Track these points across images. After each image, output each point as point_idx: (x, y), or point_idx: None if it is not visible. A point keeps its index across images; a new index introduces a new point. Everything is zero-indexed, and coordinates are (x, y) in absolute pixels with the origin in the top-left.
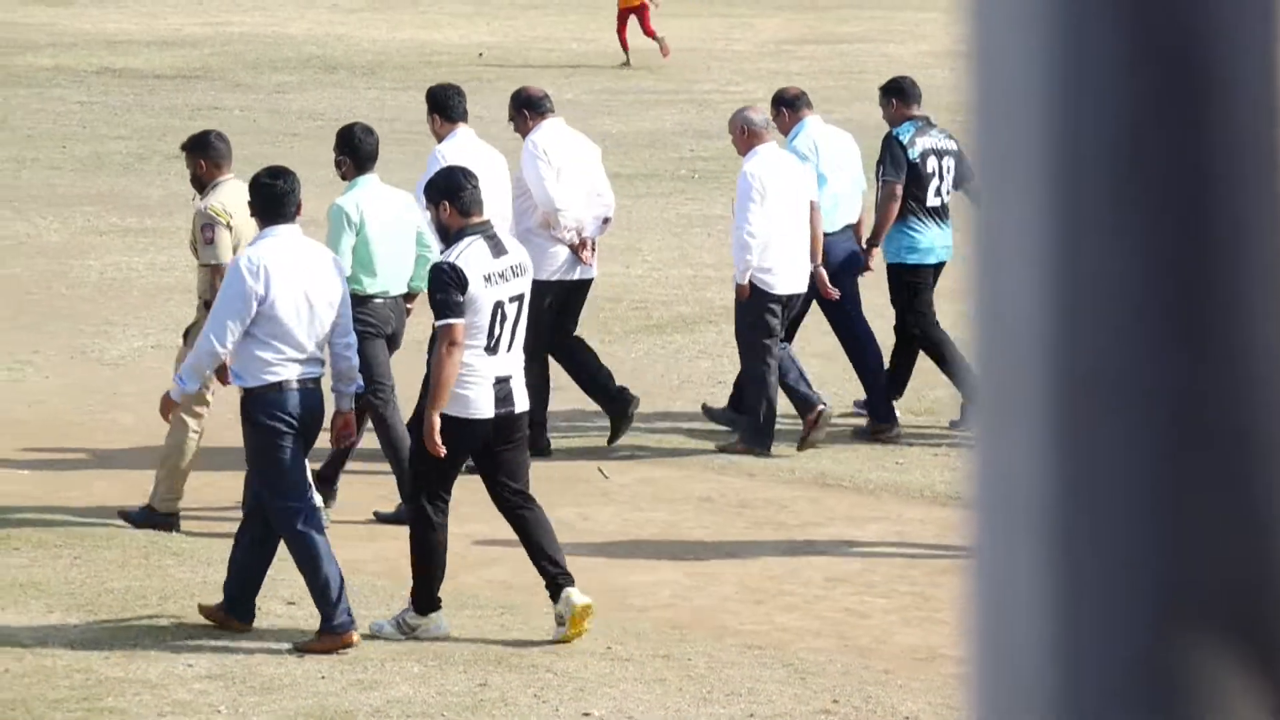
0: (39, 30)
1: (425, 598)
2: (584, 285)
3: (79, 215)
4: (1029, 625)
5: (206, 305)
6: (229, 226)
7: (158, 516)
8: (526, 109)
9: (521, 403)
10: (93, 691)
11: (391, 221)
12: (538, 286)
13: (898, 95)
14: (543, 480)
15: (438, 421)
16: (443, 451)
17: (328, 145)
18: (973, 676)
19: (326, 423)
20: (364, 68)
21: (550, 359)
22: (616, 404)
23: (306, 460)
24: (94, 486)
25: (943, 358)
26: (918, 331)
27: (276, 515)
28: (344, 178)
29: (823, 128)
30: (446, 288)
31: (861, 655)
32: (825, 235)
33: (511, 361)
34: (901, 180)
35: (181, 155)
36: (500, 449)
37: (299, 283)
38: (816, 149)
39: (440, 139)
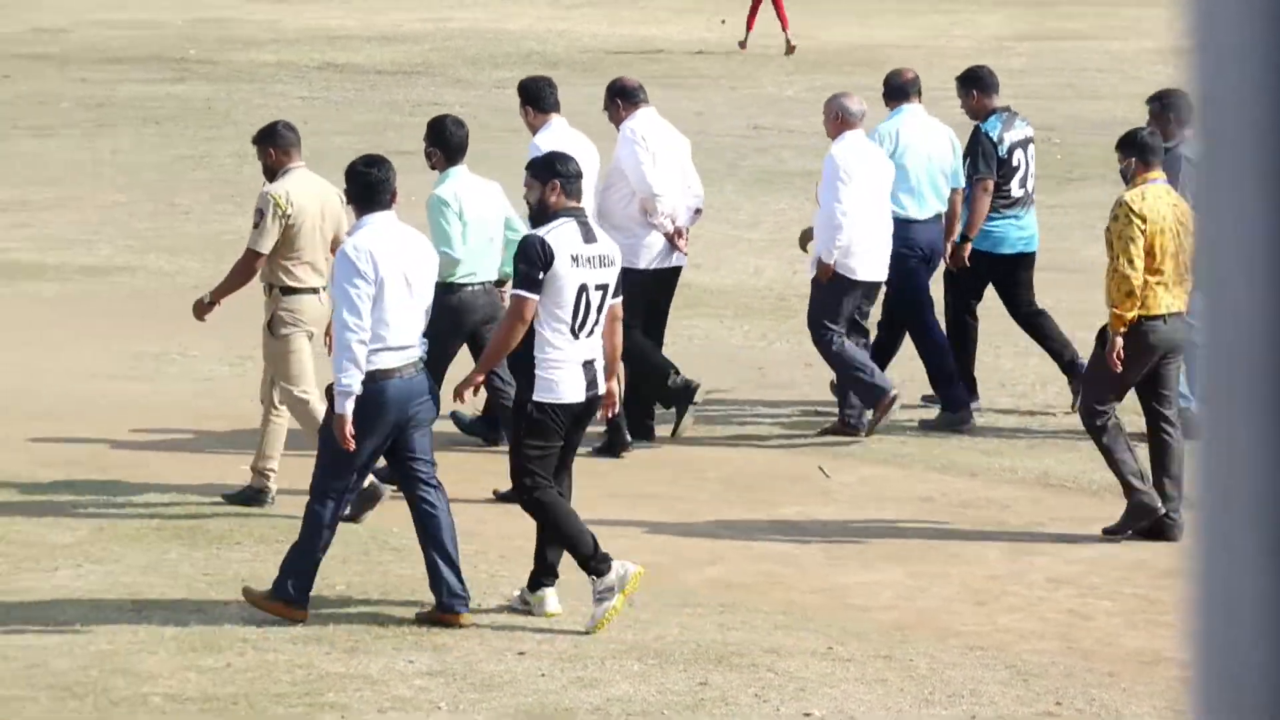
0: (261, 26)
1: (586, 560)
2: (676, 273)
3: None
4: (1253, 627)
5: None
6: (285, 215)
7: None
8: (620, 98)
9: (602, 387)
10: (314, 686)
11: (484, 209)
12: (635, 275)
13: (977, 85)
14: (765, 478)
15: (478, 377)
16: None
17: None
18: (1196, 680)
19: None
20: (583, 64)
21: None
22: (681, 396)
23: (424, 441)
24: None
25: (961, 347)
26: (950, 315)
27: (316, 488)
28: (434, 168)
29: (917, 119)
30: (532, 261)
31: (1085, 658)
32: (913, 222)
33: (594, 346)
34: (994, 175)
35: (404, 154)
36: (573, 431)
37: (400, 267)
38: (896, 137)
39: (534, 130)
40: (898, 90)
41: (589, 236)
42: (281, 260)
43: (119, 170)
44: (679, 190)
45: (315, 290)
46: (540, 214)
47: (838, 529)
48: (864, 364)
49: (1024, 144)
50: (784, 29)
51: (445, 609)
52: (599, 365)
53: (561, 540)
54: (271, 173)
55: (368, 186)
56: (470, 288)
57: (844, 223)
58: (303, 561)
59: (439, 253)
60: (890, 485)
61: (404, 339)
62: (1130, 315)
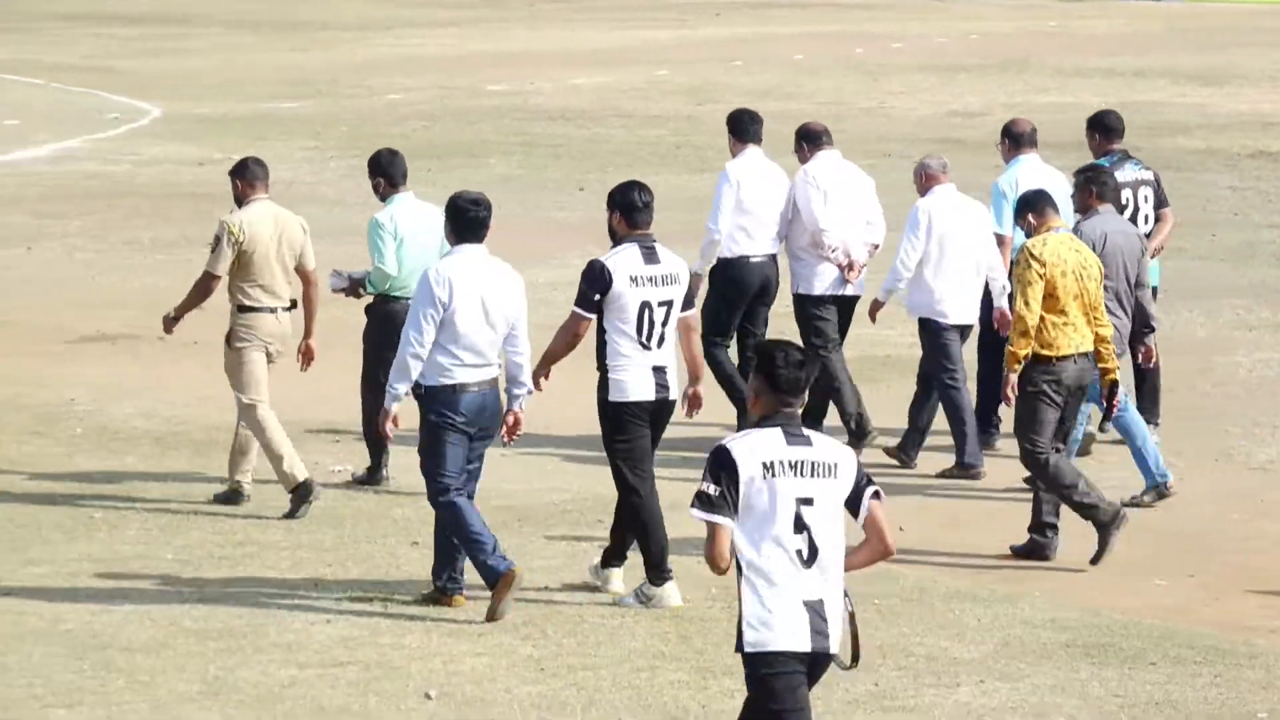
0: (1190, 111)
1: (656, 564)
2: (851, 301)
3: (1226, 308)
4: None
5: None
6: (238, 241)
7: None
8: (805, 141)
9: (674, 391)
10: None
11: (422, 231)
12: (807, 300)
13: (1100, 130)
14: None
15: (540, 371)
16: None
17: None
18: None
19: None
20: None
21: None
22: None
23: (481, 450)
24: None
25: None
26: None
27: (430, 491)
28: (382, 196)
29: (1035, 167)
30: (591, 282)
31: None
32: None
33: (665, 355)
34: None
35: None
36: (654, 425)
37: (478, 295)
38: (1016, 185)
39: (733, 156)
40: (1017, 137)
41: (651, 258)
42: (238, 281)
43: None
44: (853, 226)
45: (271, 310)
46: (612, 239)
47: None
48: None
49: (1135, 185)
50: None
51: (445, 590)
52: (671, 372)
53: (639, 538)
54: (240, 203)
55: (466, 222)
56: (405, 301)
57: (903, 273)
58: (464, 549)
59: (374, 267)
60: None
61: (478, 358)
62: (1023, 353)
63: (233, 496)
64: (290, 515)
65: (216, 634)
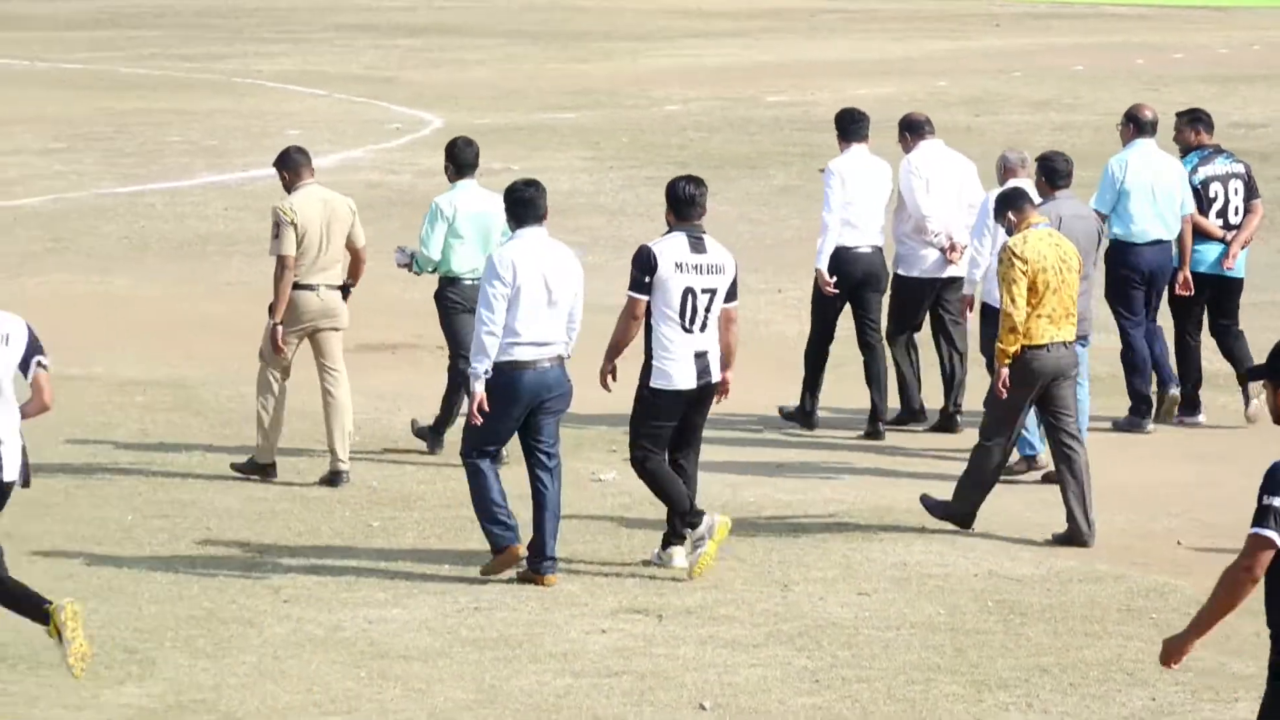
0: None
1: (677, 519)
2: (952, 282)
3: None
4: None
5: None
6: (294, 224)
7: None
8: (908, 132)
9: (716, 375)
10: None
11: (479, 215)
12: (907, 282)
13: (1199, 125)
14: None
15: (607, 366)
16: (613, 381)
17: None
18: None
19: None
20: None
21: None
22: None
23: (551, 426)
24: None
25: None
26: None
27: (464, 448)
28: (450, 180)
29: (1146, 151)
30: (639, 266)
31: None
32: (1137, 245)
33: (707, 340)
34: (1191, 204)
35: None
36: (693, 413)
37: (541, 275)
38: (1126, 167)
39: (840, 154)
40: (1139, 121)
41: (698, 248)
42: (285, 269)
43: None
44: (954, 210)
45: (313, 287)
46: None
47: None
48: None
49: (1225, 179)
50: None
51: (535, 569)
52: (712, 357)
53: (663, 499)
54: (289, 191)
55: (521, 203)
56: (466, 280)
57: (980, 262)
58: (478, 514)
59: (419, 249)
60: None
61: (541, 336)
62: (1012, 349)
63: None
64: (240, 472)
65: (492, 643)
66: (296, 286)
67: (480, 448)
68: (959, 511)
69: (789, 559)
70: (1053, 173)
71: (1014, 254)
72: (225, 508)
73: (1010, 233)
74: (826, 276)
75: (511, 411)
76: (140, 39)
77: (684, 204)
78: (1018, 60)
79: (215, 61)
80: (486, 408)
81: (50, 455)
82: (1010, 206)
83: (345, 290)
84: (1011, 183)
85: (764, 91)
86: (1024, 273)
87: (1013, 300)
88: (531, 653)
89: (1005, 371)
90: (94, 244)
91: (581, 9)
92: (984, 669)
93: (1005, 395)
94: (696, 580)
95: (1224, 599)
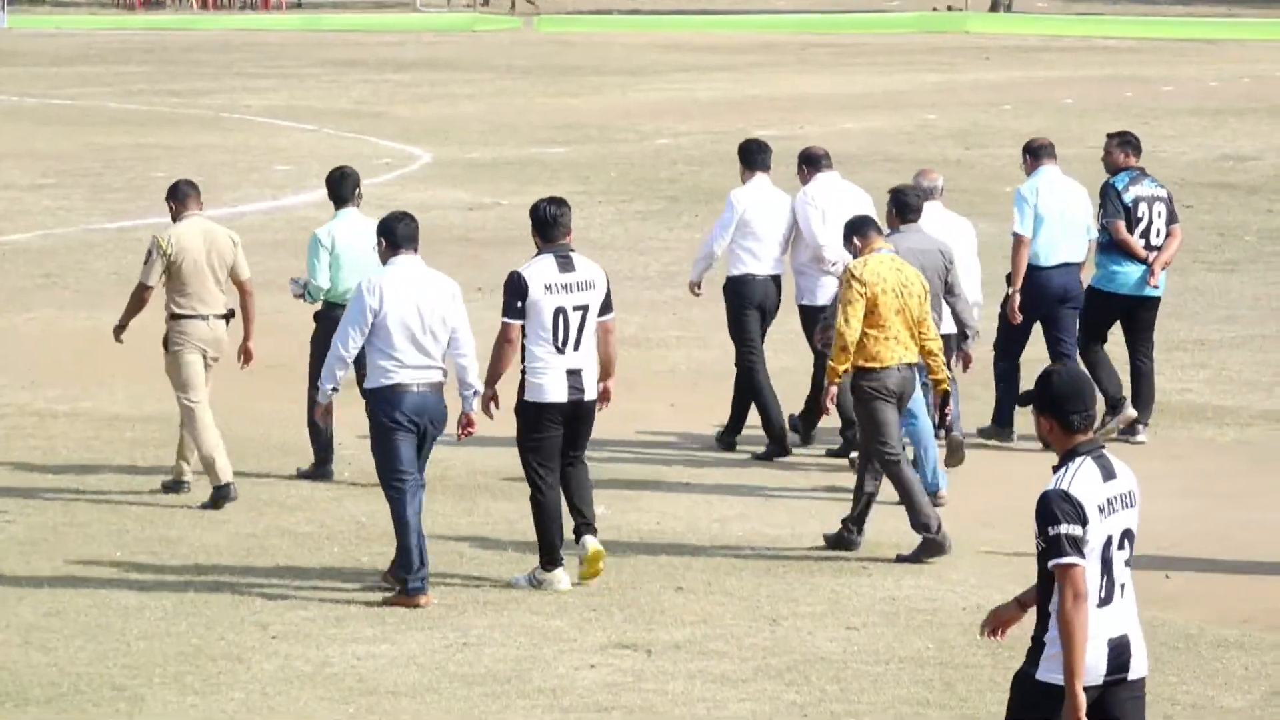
0: None
1: (546, 554)
2: None
3: None
4: None
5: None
6: (166, 255)
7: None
8: (806, 164)
9: (590, 393)
10: None
11: (356, 242)
12: (808, 311)
13: (1125, 148)
14: None
15: (487, 393)
16: (496, 409)
17: None
18: None
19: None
20: None
21: None
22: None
23: (421, 449)
24: None
25: (1094, 376)
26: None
27: (384, 487)
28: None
29: (1055, 178)
30: (511, 291)
31: None
32: (1042, 269)
33: (581, 358)
34: (1122, 219)
35: None
36: (573, 424)
37: (412, 301)
38: (1037, 193)
39: (743, 183)
40: (1037, 151)
41: (566, 267)
42: (171, 291)
43: None
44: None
45: (203, 317)
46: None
47: None
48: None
49: (1150, 201)
50: None
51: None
52: (588, 374)
53: (538, 532)
54: (175, 220)
55: (393, 233)
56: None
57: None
58: (398, 535)
59: (309, 279)
60: None
61: (417, 360)
62: (842, 368)
63: (175, 486)
64: (207, 507)
65: (481, 679)
66: (188, 316)
67: (397, 474)
68: (925, 522)
69: (777, 593)
70: (904, 206)
71: (853, 276)
72: (213, 544)
73: (855, 256)
74: (698, 291)
75: (406, 429)
76: (128, 74)
77: (547, 225)
78: (1007, 93)
79: (203, 97)
80: (330, 415)
81: (38, 491)
82: (856, 233)
83: (228, 318)
84: (928, 207)
85: (754, 125)
86: (861, 294)
87: (846, 320)
88: (520, 688)
89: (834, 390)
90: (83, 279)
91: (571, 44)
92: (973, 703)
93: (830, 411)
94: (685, 615)
95: (1077, 634)
